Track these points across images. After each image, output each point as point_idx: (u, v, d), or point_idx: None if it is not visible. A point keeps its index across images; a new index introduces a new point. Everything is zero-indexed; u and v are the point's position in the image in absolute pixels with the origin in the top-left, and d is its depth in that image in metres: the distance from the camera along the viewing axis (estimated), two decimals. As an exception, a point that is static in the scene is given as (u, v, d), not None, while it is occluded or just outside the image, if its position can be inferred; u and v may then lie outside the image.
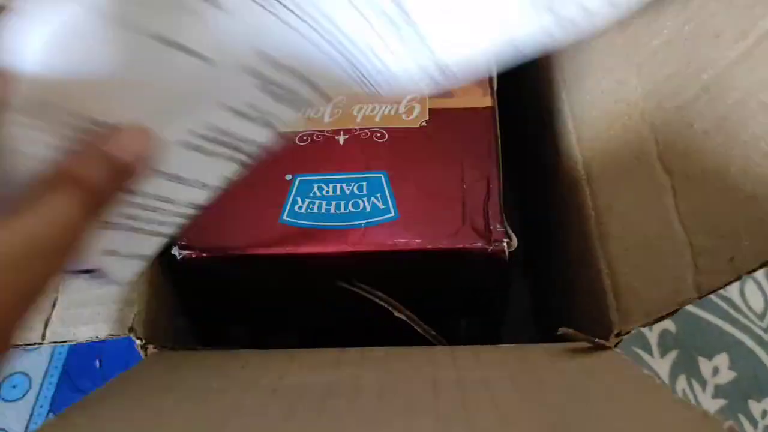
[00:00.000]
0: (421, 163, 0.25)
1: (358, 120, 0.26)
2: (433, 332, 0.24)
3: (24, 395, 0.38)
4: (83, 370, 0.39)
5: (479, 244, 0.23)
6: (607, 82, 0.25)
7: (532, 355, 0.20)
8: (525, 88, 0.33)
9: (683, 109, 0.22)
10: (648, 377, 0.17)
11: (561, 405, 0.15)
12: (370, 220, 0.24)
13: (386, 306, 0.24)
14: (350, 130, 0.26)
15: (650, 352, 0.35)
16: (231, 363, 0.19)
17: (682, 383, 0.33)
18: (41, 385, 0.39)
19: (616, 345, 0.21)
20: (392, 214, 0.24)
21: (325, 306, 0.26)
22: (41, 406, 0.38)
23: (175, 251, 0.24)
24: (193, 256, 0.24)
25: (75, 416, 0.16)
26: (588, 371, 0.18)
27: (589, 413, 0.15)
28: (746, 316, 0.35)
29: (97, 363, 0.39)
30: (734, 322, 0.35)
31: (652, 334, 0.35)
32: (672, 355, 0.34)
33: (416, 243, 0.23)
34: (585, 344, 0.20)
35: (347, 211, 0.24)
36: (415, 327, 0.24)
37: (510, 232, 0.24)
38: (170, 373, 0.19)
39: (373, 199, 0.24)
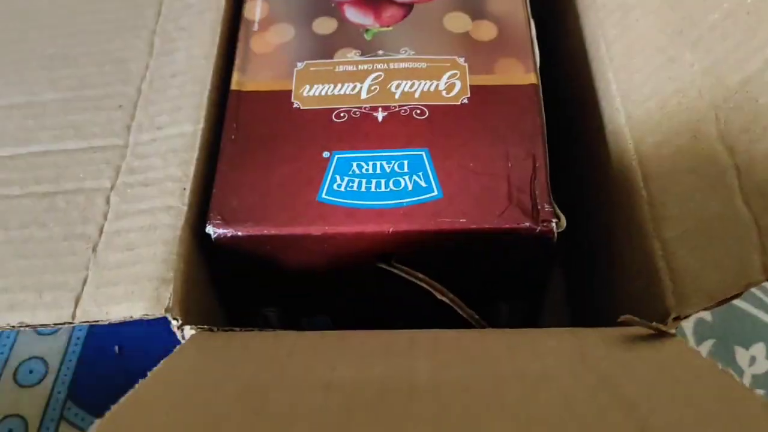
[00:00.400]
0: (464, 141, 0.24)
1: (397, 96, 0.26)
2: (476, 316, 0.23)
3: (41, 380, 0.37)
4: (103, 355, 0.38)
5: (527, 224, 0.22)
6: (659, 59, 0.24)
7: (589, 342, 0.19)
8: (565, 66, 0.32)
9: (747, 83, 0.21)
10: (725, 373, 0.16)
11: (636, 405, 0.14)
12: (412, 199, 0.23)
13: (428, 288, 0.23)
14: (389, 106, 0.25)
15: (686, 341, 0.34)
16: (277, 350, 0.19)
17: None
18: (59, 370, 0.38)
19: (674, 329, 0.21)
20: (435, 193, 0.23)
21: (362, 288, 0.25)
22: (59, 392, 0.37)
23: (209, 229, 0.23)
24: (228, 234, 0.23)
25: (123, 419, 0.15)
26: (657, 365, 0.17)
27: (671, 419, 0.14)
28: (783, 307, 0.34)
29: (117, 348, 0.38)
30: (770, 312, 0.34)
31: (688, 323, 0.34)
32: (708, 344, 0.34)
33: (461, 223, 0.23)
34: (644, 331, 0.19)
35: (388, 189, 0.23)
36: (458, 311, 0.23)
37: (558, 211, 0.23)
38: (215, 362, 0.18)
39: (414, 177, 0.24)
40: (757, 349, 0.33)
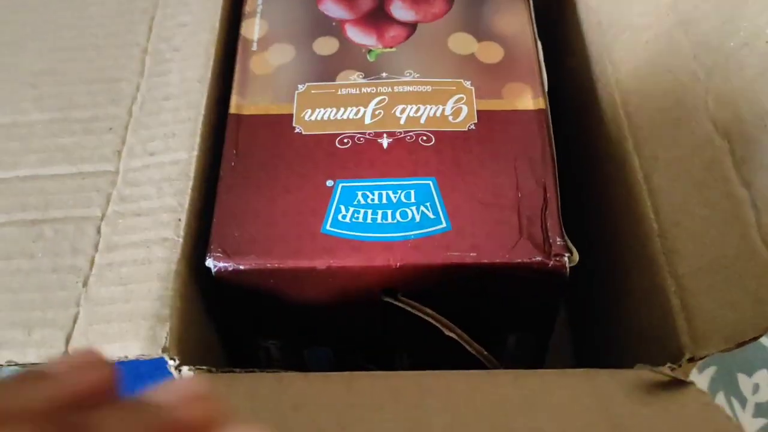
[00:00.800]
0: (472, 169, 0.24)
1: (402, 122, 0.25)
2: (485, 353, 0.23)
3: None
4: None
5: (539, 258, 0.22)
6: (671, 84, 0.24)
7: (606, 392, 0.18)
8: (567, 86, 0.31)
9: (766, 117, 0.20)
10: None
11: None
12: (419, 232, 0.22)
13: (436, 324, 0.22)
14: (394, 132, 0.24)
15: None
16: (281, 401, 0.18)
17: (720, 400, 0.32)
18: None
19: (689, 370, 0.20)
20: (443, 225, 0.22)
21: (366, 321, 0.24)
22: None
23: (209, 263, 0.22)
24: (229, 268, 0.22)
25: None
26: (679, 424, 0.16)
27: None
28: (785, 329, 0.34)
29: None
30: (772, 335, 0.34)
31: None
32: (710, 371, 0.33)
33: (471, 257, 0.22)
34: (661, 377, 0.19)
35: (395, 221, 0.22)
36: (466, 347, 0.23)
37: (570, 245, 0.22)
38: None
39: (422, 207, 0.23)
40: (761, 376, 0.32)
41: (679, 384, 0.19)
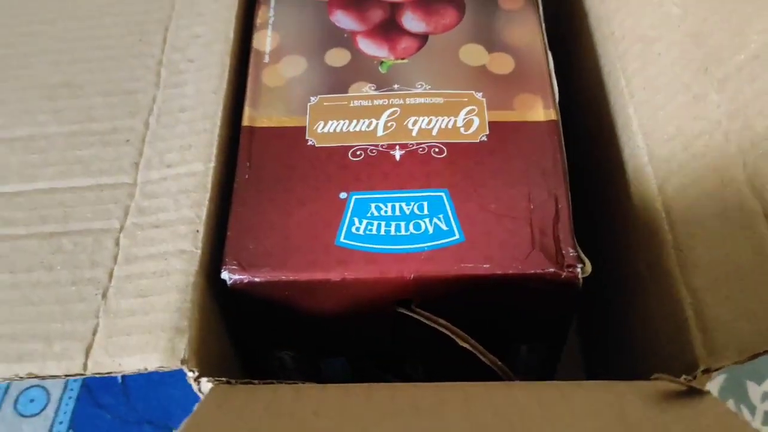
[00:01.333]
0: (484, 181, 0.24)
1: (414, 134, 0.25)
2: (499, 363, 0.23)
3: (42, 410, 0.37)
4: (105, 384, 0.37)
5: (552, 269, 0.22)
6: (684, 97, 0.24)
7: (624, 400, 0.18)
8: (578, 98, 0.31)
9: (779, 130, 0.20)
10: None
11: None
12: (433, 243, 0.23)
13: (450, 334, 0.23)
14: (406, 144, 0.25)
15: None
16: (302, 408, 0.18)
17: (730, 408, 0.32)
18: (60, 400, 0.37)
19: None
20: (456, 237, 0.23)
21: (380, 331, 0.25)
22: (60, 422, 0.36)
23: (225, 275, 0.22)
24: (245, 281, 0.22)
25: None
26: (696, 430, 0.17)
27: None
28: (796, 335, 0.34)
29: (120, 378, 0.37)
30: (784, 341, 0.34)
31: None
32: (719, 379, 0.33)
33: (484, 269, 0.22)
34: (677, 387, 0.19)
35: (408, 233, 0.23)
36: (481, 357, 0.23)
37: (583, 256, 0.22)
38: (240, 427, 0.18)
39: (435, 219, 0.23)
40: (771, 384, 0.32)
41: (695, 393, 0.19)
